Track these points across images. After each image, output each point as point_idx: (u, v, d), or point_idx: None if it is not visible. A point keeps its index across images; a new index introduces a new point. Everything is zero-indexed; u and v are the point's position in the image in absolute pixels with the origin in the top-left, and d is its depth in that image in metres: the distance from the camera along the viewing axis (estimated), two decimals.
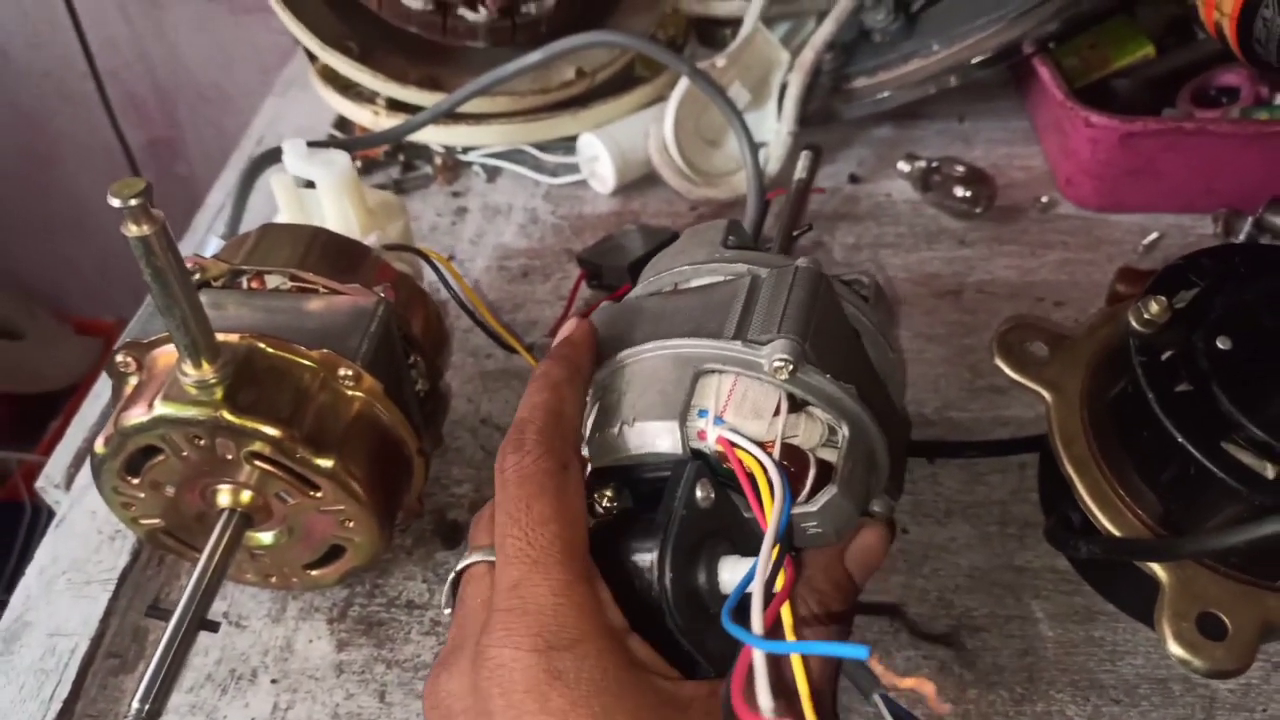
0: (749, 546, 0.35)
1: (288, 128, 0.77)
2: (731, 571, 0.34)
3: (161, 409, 0.38)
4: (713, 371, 0.36)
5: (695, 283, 0.42)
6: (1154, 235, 0.63)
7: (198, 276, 0.44)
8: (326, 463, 0.39)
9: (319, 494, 0.40)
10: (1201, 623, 0.38)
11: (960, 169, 0.65)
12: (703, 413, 0.36)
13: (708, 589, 0.33)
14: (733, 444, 0.34)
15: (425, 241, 0.65)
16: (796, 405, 0.36)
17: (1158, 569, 0.39)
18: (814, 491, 0.37)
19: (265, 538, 0.43)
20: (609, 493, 0.35)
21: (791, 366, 0.35)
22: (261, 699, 0.43)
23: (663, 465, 0.35)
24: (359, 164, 0.70)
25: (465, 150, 0.71)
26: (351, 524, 0.42)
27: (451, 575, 0.35)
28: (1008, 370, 0.45)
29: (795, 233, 0.57)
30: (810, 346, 0.35)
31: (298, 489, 0.40)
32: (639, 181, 0.69)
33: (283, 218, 0.52)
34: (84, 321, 1.51)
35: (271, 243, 0.45)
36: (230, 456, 0.39)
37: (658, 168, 0.67)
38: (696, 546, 0.33)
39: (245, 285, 0.45)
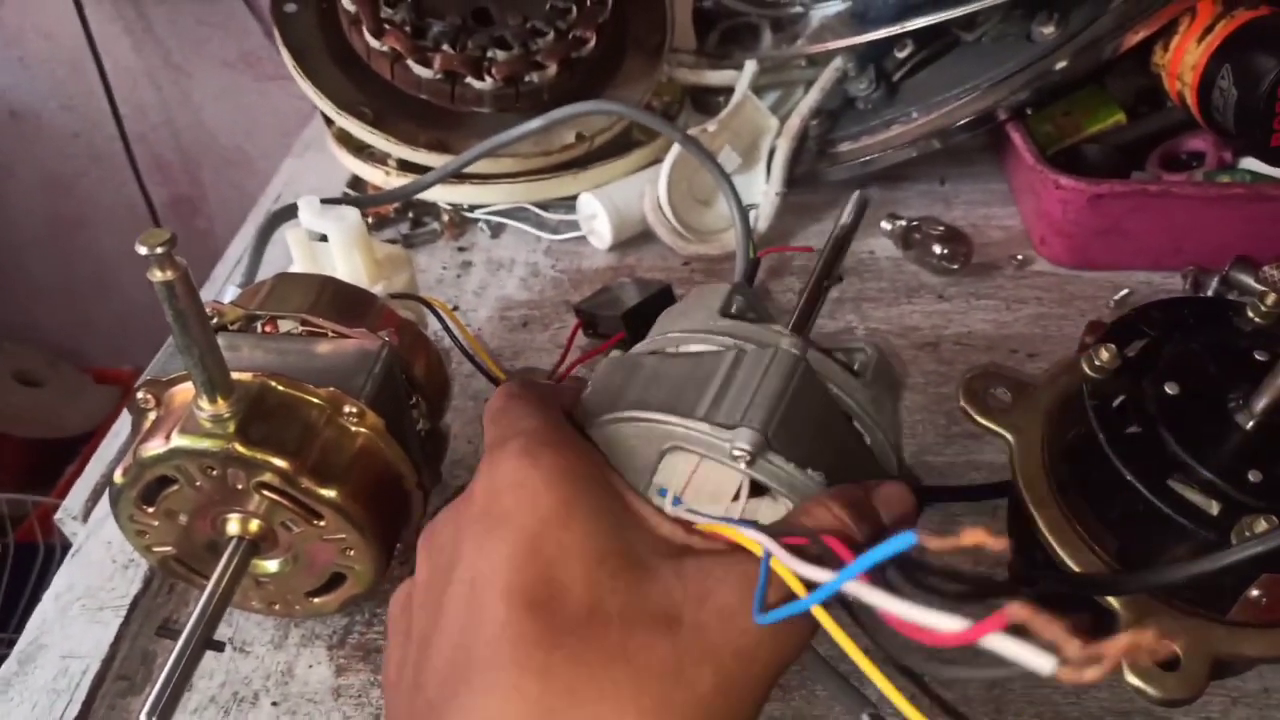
0: None
1: (304, 187, 0.81)
2: None
3: (178, 441, 0.41)
4: (679, 449, 0.37)
5: (690, 348, 0.41)
6: (1124, 291, 0.66)
7: (216, 320, 0.47)
8: (330, 493, 0.42)
9: (322, 523, 0.43)
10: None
11: (939, 228, 0.68)
12: (663, 491, 0.36)
13: None
14: (689, 523, 0.34)
15: (431, 293, 0.69)
16: (760, 490, 0.36)
17: (1114, 603, 0.41)
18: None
19: (271, 565, 0.46)
20: None
21: (750, 457, 0.35)
22: None
23: None
24: (371, 220, 0.75)
25: (471, 208, 0.75)
26: (352, 552, 0.44)
27: None
28: (973, 414, 0.48)
29: (826, 283, 0.53)
30: (777, 434, 0.35)
31: (302, 518, 0.43)
32: (635, 238, 0.72)
33: (296, 268, 0.55)
34: (103, 371, 1.55)
35: (284, 290, 0.49)
36: (240, 487, 0.42)
37: (652, 225, 0.70)
38: None
39: (259, 329, 0.48)
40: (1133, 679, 0.40)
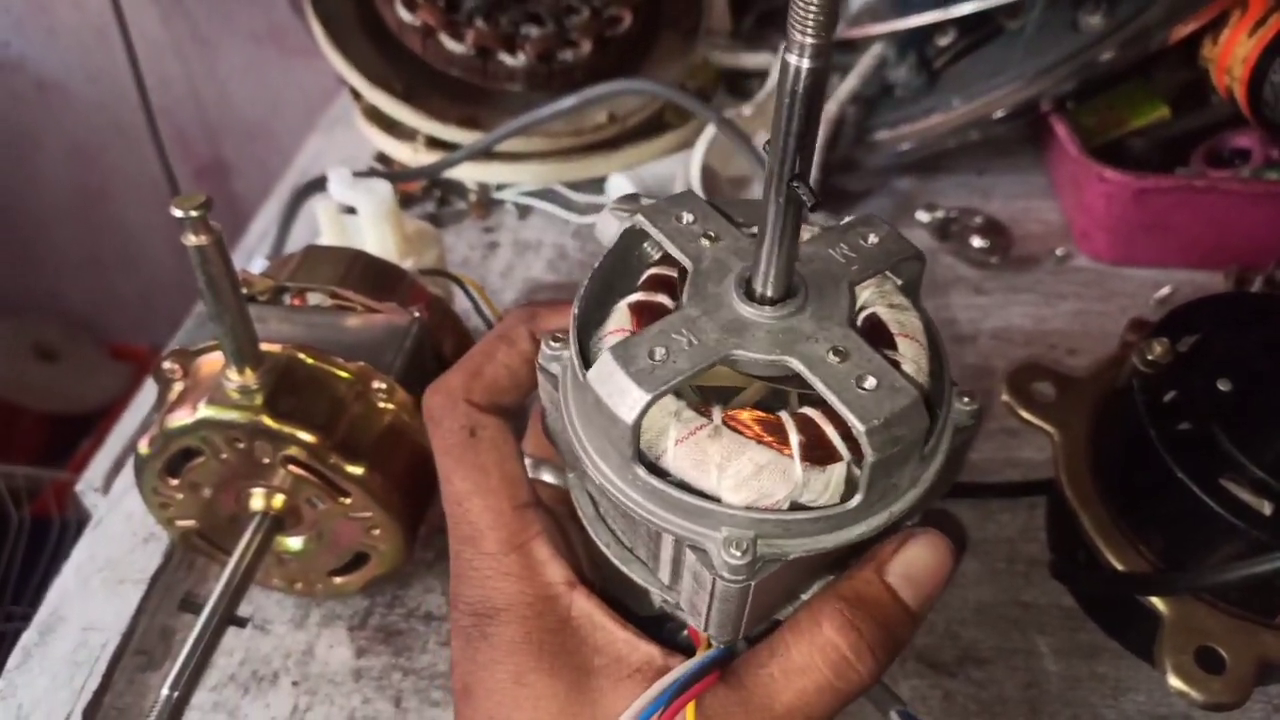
0: None
1: (330, 162, 0.80)
2: None
3: (205, 411, 0.40)
4: None
5: None
6: (1167, 289, 0.64)
7: (244, 291, 0.46)
8: (357, 469, 0.41)
9: (348, 500, 0.42)
10: (1200, 656, 0.39)
11: (978, 220, 0.67)
12: None
13: None
14: None
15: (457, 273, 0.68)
16: None
17: (1158, 603, 0.40)
18: None
19: (294, 543, 0.45)
20: None
21: None
22: (282, 700, 0.45)
23: None
24: (397, 198, 0.74)
25: (499, 188, 0.74)
26: (377, 531, 0.43)
27: None
28: (1016, 408, 0.46)
29: None
30: None
31: (328, 494, 0.42)
32: None
33: (325, 241, 0.54)
34: (120, 347, 1.55)
35: (314, 263, 0.48)
36: (266, 460, 0.41)
37: None
38: None
39: (288, 301, 0.48)
40: (1175, 681, 0.38)
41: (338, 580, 0.46)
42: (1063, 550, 0.47)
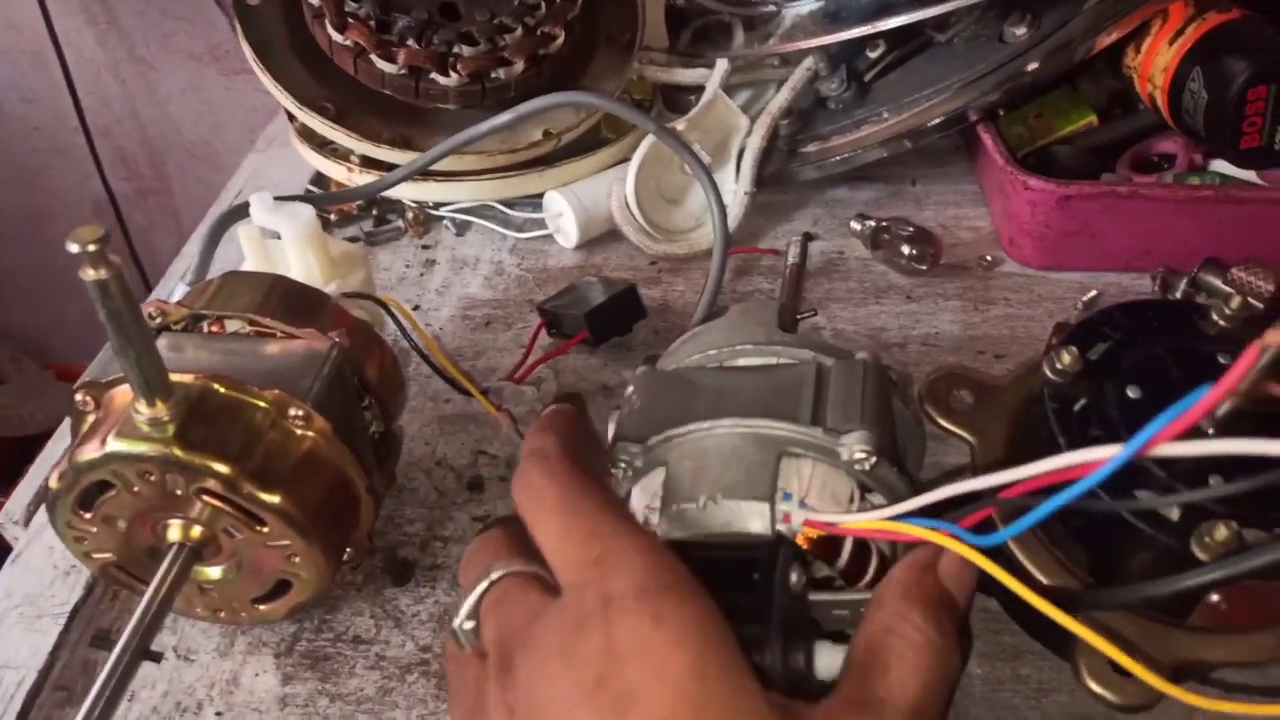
0: (827, 634, 0.36)
1: (267, 182, 0.80)
2: (829, 657, 0.34)
3: (114, 445, 0.39)
4: (791, 455, 0.38)
5: (746, 362, 0.43)
6: (1093, 293, 0.65)
7: (159, 320, 0.46)
8: (273, 498, 0.41)
9: (266, 529, 0.42)
10: (1113, 659, 0.39)
11: (908, 229, 0.67)
12: (788, 496, 0.36)
13: (805, 674, 0.34)
14: (830, 523, 0.36)
15: (393, 291, 0.68)
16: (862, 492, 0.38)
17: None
18: (876, 577, 0.38)
19: (214, 572, 0.44)
20: None
21: (874, 459, 0.37)
22: None
23: (747, 546, 0.36)
24: (334, 217, 0.73)
25: (436, 205, 0.73)
26: (298, 559, 0.43)
27: (482, 585, 0.33)
28: (935, 416, 0.47)
29: (799, 315, 0.57)
30: (883, 439, 0.37)
31: (245, 524, 0.42)
32: (602, 237, 0.71)
33: (249, 266, 0.54)
34: (66, 369, 1.52)
35: (232, 289, 0.47)
36: (180, 492, 0.41)
37: (619, 224, 0.69)
38: (791, 631, 0.34)
39: (205, 329, 0.47)
40: (1091, 684, 0.39)
41: (262, 608, 0.46)
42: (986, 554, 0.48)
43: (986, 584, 0.47)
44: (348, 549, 0.47)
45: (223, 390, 0.42)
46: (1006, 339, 0.62)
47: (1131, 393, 0.42)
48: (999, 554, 0.41)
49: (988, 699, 0.44)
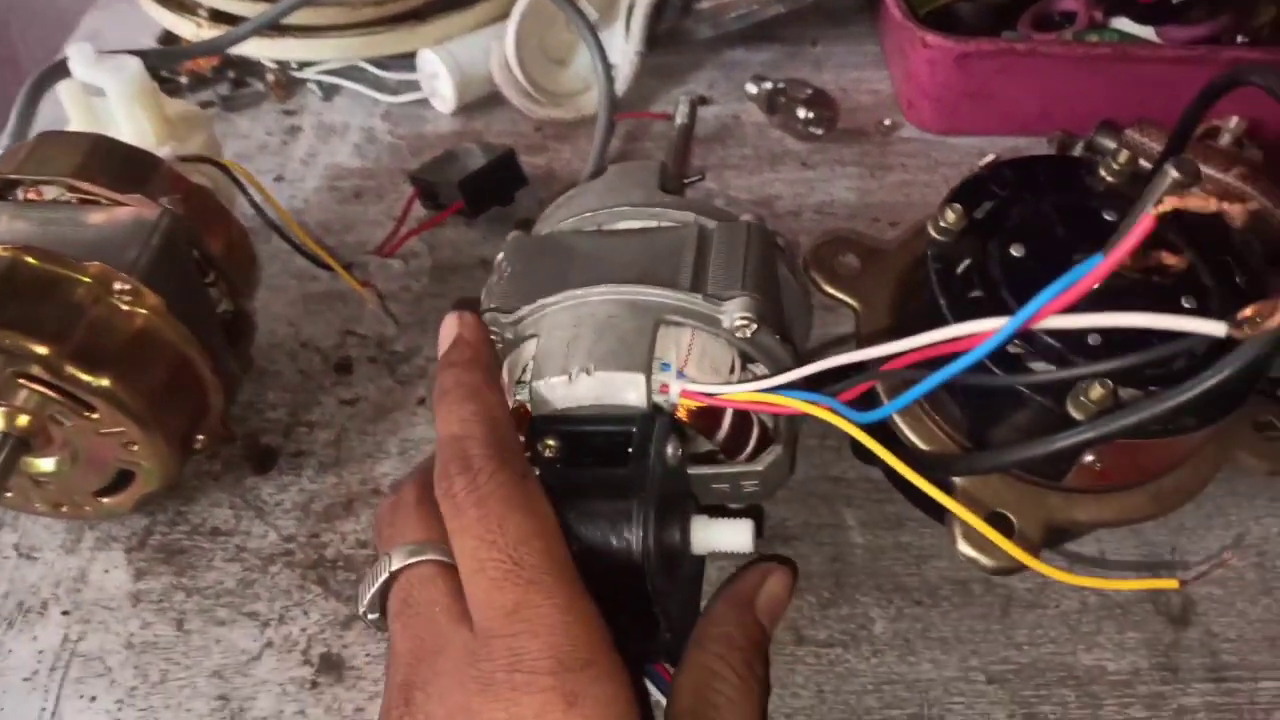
0: (704, 508, 0.35)
1: (110, 42, 0.72)
2: (704, 531, 0.34)
3: None
4: (669, 323, 0.36)
5: (624, 224, 0.41)
6: (990, 156, 0.63)
7: None
8: (101, 381, 0.37)
9: (95, 415, 0.38)
10: (990, 522, 0.39)
11: (806, 91, 0.64)
12: (665, 366, 0.35)
13: (680, 549, 0.33)
14: (708, 394, 0.34)
15: (254, 161, 0.62)
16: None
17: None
18: (757, 450, 0.37)
19: (46, 464, 0.41)
20: (552, 442, 0.34)
21: (755, 326, 0.35)
22: (51, 631, 0.42)
23: (622, 418, 0.34)
24: (185, 80, 0.67)
25: (300, 66, 0.67)
26: (136, 447, 0.40)
27: (383, 576, 0.31)
28: (820, 282, 0.45)
29: (686, 180, 0.53)
30: (764, 304, 0.36)
31: (72, 410, 0.38)
32: (482, 101, 0.66)
33: (74, 129, 0.48)
34: None
35: (48, 151, 0.42)
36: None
37: (500, 86, 0.65)
38: (666, 505, 0.33)
39: (21, 197, 0.42)
40: (965, 549, 0.38)
41: (106, 501, 0.43)
42: (865, 428, 0.47)
43: (868, 455, 0.47)
44: (199, 436, 0.44)
45: (35, 263, 0.38)
46: (902, 205, 0.61)
47: (1015, 251, 0.40)
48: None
49: (869, 567, 0.44)
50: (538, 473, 0.32)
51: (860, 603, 0.43)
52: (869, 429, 0.35)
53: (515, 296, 0.38)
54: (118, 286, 0.38)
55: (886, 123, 0.66)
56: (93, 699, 0.40)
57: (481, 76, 0.65)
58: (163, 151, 0.46)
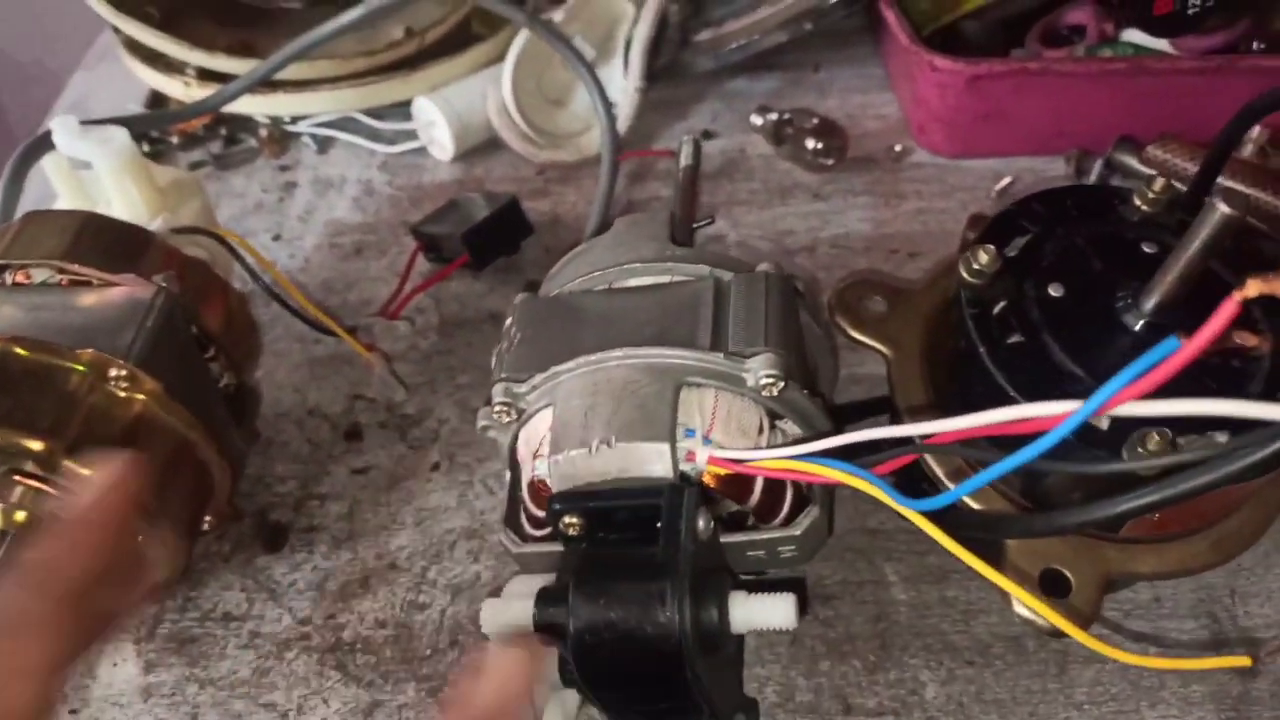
0: (742, 582, 0.33)
1: (99, 105, 0.71)
2: (744, 609, 0.31)
3: None
4: (691, 385, 0.34)
5: (636, 282, 0.39)
6: (1007, 179, 0.62)
7: None
8: None
9: None
10: (1044, 580, 0.37)
11: (813, 121, 0.63)
12: (690, 432, 0.33)
13: (719, 629, 0.31)
14: (738, 461, 0.33)
15: (250, 220, 0.61)
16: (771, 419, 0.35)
17: None
18: (793, 513, 0.35)
19: None
20: (574, 520, 0.32)
21: (782, 383, 0.33)
22: None
23: (647, 491, 0.32)
24: (177, 140, 0.65)
25: (293, 120, 0.66)
26: (142, 539, 0.38)
27: None
28: (845, 328, 0.43)
29: (696, 225, 0.50)
30: (789, 360, 0.34)
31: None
32: (482, 147, 0.65)
33: (62, 205, 0.47)
34: None
35: (35, 232, 0.41)
36: None
37: (499, 131, 0.63)
38: (701, 583, 0.31)
39: (9, 280, 0.40)
40: (1021, 610, 0.36)
41: None
42: (906, 476, 0.45)
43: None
44: (206, 518, 0.42)
45: (25, 354, 0.36)
46: (920, 235, 0.59)
47: (1054, 291, 0.38)
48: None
49: (915, 626, 0.42)
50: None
51: (909, 665, 0.41)
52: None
53: (527, 364, 0.37)
54: (113, 373, 0.36)
55: (897, 148, 0.64)
56: None
57: (480, 122, 0.63)
58: (155, 224, 0.44)
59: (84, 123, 0.44)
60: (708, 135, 0.67)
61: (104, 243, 0.40)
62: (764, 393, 0.34)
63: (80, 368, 0.36)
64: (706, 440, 0.33)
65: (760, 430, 0.35)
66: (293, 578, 0.44)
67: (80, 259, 0.39)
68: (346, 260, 0.59)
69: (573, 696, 0.36)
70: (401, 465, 0.48)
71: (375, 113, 0.66)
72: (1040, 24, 0.67)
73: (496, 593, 0.34)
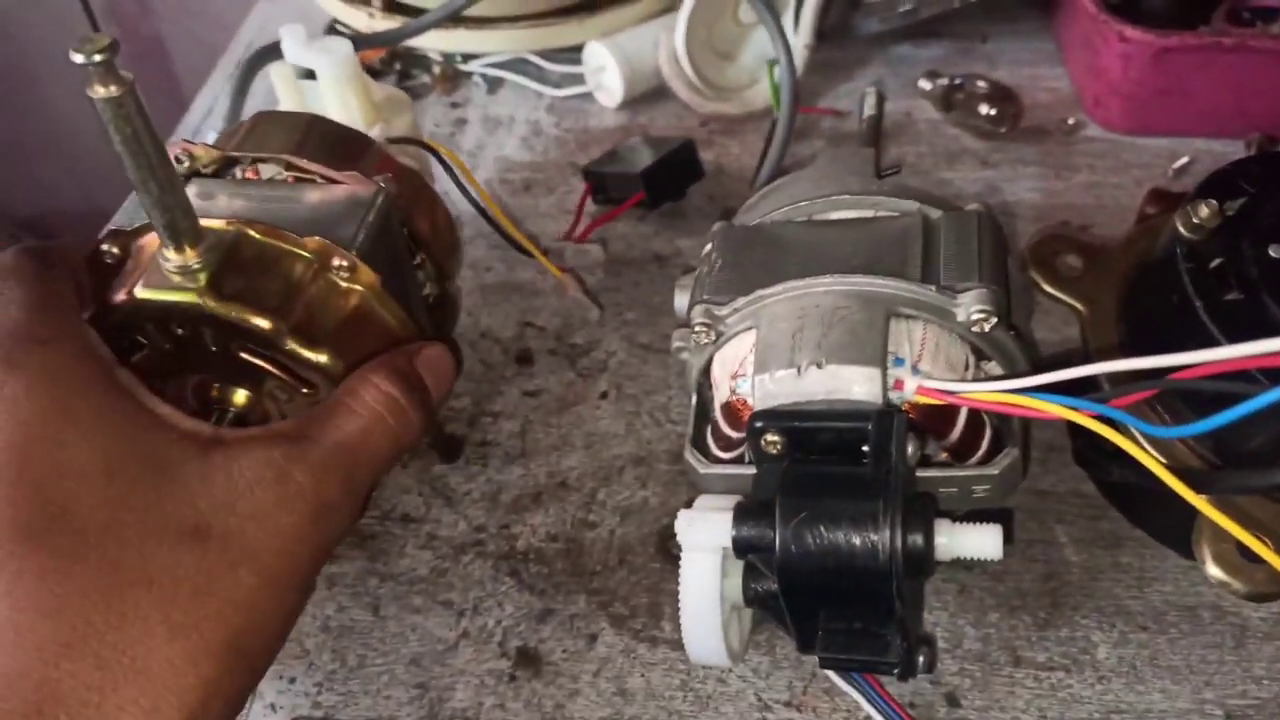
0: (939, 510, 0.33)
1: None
2: (950, 535, 0.32)
3: (142, 294, 0.35)
4: (900, 316, 0.34)
5: (840, 215, 0.39)
6: (1185, 159, 0.60)
7: (186, 165, 0.41)
8: (319, 357, 0.37)
9: (313, 392, 0.38)
10: (1241, 544, 0.36)
11: (985, 86, 0.62)
12: (899, 361, 0.33)
13: (924, 555, 0.31)
14: (949, 391, 0.32)
15: None
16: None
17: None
18: (990, 453, 0.35)
19: None
20: (776, 438, 0.33)
21: (994, 320, 0.33)
22: None
23: (854, 414, 0.32)
24: None
25: (465, 59, 0.67)
26: None
27: None
28: (1040, 282, 0.43)
29: (885, 173, 0.52)
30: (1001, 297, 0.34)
31: (290, 386, 0.38)
32: (647, 95, 0.66)
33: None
34: None
35: (266, 130, 0.42)
36: (216, 349, 0.37)
37: (668, 80, 0.63)
38: (909, 508, 0.31)
39: (239, 175, 0.42)
40: (1215, 571, 0.36)
41: None
42: (1087, 435, 0.44)
43: (1083, 461, 0.44)
44: None
45: (259, 237, 0.38)
46: (1092, 208, 0.58)
47: (1274, 252, 0.37)
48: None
49: (1086, 587, 0.41)
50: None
51: (1080, 625, 0.40)
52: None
53: (729, 287, 0.37)
54: (336, 262, 0.38)
55: (1070, 121, 0.63)
56: (291, 680, 0.40)
57: (649, 70, 0.64)
58: (372, 133, 0.46)
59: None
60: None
61: (329, 143, 0.42)
62: (974, 328, 0.34)
63: (306, 254, 0.38)
64: (915, 370, 0.33)
65: (966, 366, 0.35)
66: (468, 487, 0.46)
67: (307, 156, 0.41)
68: (516, 195, 0.60)
69: (749, 617, 0.37)
70: (571, 391, 0.49)
71: (544, 55, 0.67)
72: (1227, 2, 0.65)
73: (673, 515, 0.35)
